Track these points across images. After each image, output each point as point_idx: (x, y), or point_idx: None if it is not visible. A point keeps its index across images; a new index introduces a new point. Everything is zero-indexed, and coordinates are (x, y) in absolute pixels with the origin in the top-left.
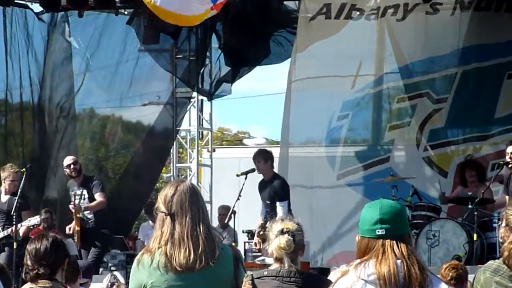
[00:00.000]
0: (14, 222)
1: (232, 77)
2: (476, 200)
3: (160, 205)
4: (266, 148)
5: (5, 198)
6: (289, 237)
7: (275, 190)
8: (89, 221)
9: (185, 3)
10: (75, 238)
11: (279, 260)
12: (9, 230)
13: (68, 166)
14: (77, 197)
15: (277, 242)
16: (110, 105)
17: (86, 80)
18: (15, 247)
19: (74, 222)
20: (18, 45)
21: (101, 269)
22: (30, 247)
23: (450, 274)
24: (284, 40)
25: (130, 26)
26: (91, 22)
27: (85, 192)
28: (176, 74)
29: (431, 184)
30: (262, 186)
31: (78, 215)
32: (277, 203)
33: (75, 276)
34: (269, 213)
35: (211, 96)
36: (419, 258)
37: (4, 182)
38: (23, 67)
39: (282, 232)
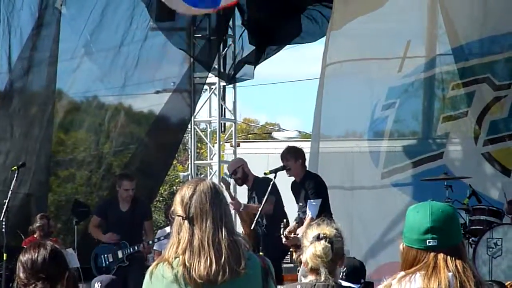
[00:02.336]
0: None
1: (256, 58)
2: None
3: (177, 207)
4: (295, 145)
5: (124, 207)
6: (327, 243)
7: (307, 189)
8: (261, 226)
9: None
10: None
11: (314, 271)
12: (141, 246)
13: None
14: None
15: (312, 250)
16: (117, 92)
17: (85, 63)
18: (5, 258)
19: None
20: (0, 23)
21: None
22: (24, 257)
23: None
24: (319, 15)
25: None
26: None
27: (254, 194)
28: (193, 56)
29: (492, 184)
30: (295, 188)
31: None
32: (308, 201)
33: None
34: (302, 217)
35: (230, 80)
36: (477, 273)
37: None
38: (2, 49)
39: (318, 238)
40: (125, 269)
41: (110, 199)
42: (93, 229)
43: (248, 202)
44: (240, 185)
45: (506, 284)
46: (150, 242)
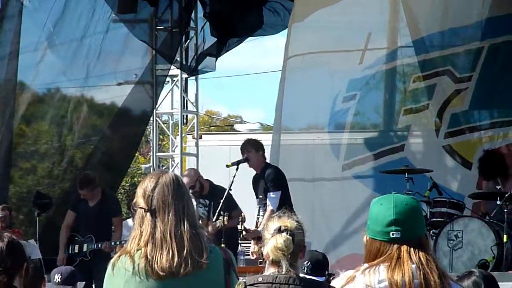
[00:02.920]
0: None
1: (217, 50)
2: (507, 195)
3: (139, 199)
4: (253, 138)
5: (92, 202)
6: (288, 236)
7: (266, 179)
8: None
9: None
10: None
11: (275, 263)
12: (104, 244)
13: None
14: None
15: (273, 242)
16: (79, 84)
17: (48, 56)
18: None
19: None
20: None
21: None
22: None
23: None
24: (281, 7)
25: None
26: None
27: (210, 203)
28: (155, 48)
29: (452, 176)
30: (255, 182)
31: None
32: (268, 194)
33: (38, 284)
34: (263, 209)
35: (191, 72)
36: (439, 264)
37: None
38: None
39: (279, 230)
40: (89, 261)
41: None
42: (62, 233)
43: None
44: (198, 196)
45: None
46: (113, 243)
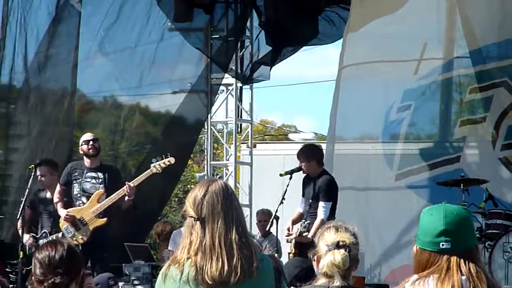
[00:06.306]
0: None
1: (272, 59)
2: None
3: (189, 208)
4: (311, 144)
5: (48, 193)
6: (346, 252)
7: (320, 187)
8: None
9: None
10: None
11: (328, 276)
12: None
13: (87, 142)
14: (91, 180)
15: (330, 258)
16: (132, 92)
17: (100, 62)
18: (21, 256)
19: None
20: (17, 22)
21: (121, 284)
22: (40, 255)
23: None
24: (336, 17)
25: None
26: None
27: (104, 177)
28: (210, 56)
29: (508, 188)
30: (306, 182)
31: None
32: (320, 203)
33: None
34: (309, 213)
35: (245, 80)
36: (490, 276)
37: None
38: (18, 47)
39: (337, 245)
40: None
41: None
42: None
43: (86, 179)
44: (89, 156)
45: None
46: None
